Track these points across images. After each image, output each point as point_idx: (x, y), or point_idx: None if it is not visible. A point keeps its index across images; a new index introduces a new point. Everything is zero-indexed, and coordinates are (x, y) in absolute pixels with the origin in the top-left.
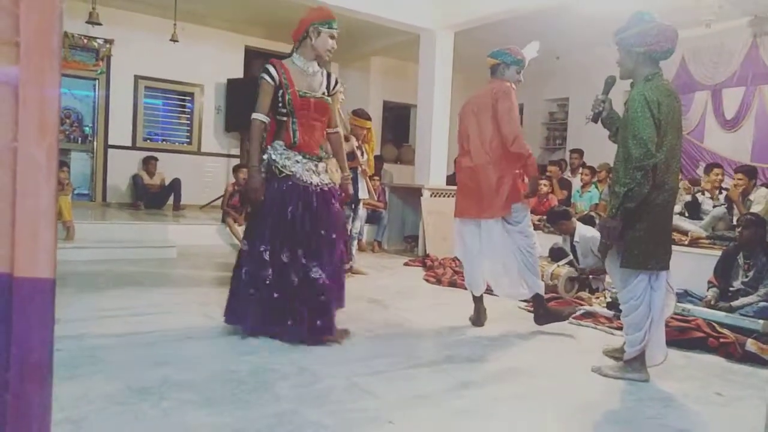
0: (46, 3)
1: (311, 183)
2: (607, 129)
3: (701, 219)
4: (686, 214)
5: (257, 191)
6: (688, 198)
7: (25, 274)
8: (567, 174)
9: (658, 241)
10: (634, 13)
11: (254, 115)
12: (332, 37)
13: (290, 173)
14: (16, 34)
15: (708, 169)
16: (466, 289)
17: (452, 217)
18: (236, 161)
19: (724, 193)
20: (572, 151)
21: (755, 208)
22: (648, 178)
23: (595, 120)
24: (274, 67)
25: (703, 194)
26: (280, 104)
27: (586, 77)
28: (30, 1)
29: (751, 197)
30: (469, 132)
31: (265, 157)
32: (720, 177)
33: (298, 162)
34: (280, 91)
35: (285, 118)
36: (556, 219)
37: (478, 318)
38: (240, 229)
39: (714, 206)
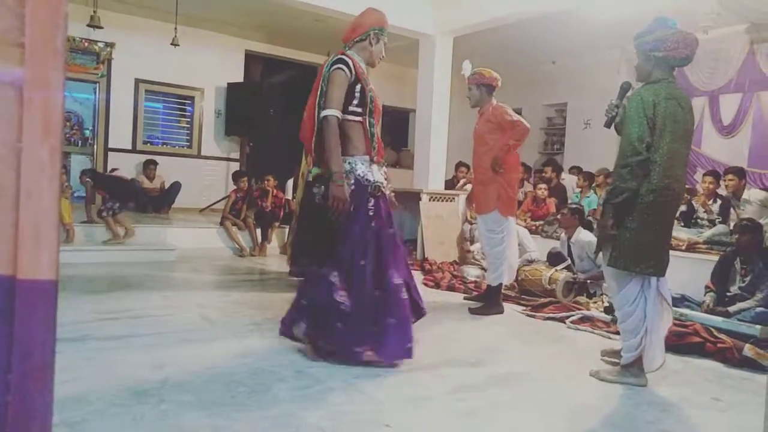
0: (51, 4)
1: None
2: (619, 135)
3: (697, 226)
4: (682, 223)
5: (345, 202)
6: (684, 207)
7: (27, 276)
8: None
9: (650, 245)
10: (657, 18)
11: (327, 112)
12: (385, 45)
13: (384, 190)
14: (21, 35)
15: (702, 176)
16: (463, 292)
17: (451, 221)
18: (236, 164)
19: (719, 201)
20: (545, 164)
21: (749, 210)
22: (634, 175)
23: (608, 125)
24: (349, 58)
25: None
26: (356, 102)
27: (584, 83)
28: (35, 2)
29: (745, 196)
30: None
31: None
32: (712, 186)
33: (377, 172)
34: (358, 86)
35: (359, 119)
36: (574, 212)
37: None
38: (239, 234)
39: (708, 219)
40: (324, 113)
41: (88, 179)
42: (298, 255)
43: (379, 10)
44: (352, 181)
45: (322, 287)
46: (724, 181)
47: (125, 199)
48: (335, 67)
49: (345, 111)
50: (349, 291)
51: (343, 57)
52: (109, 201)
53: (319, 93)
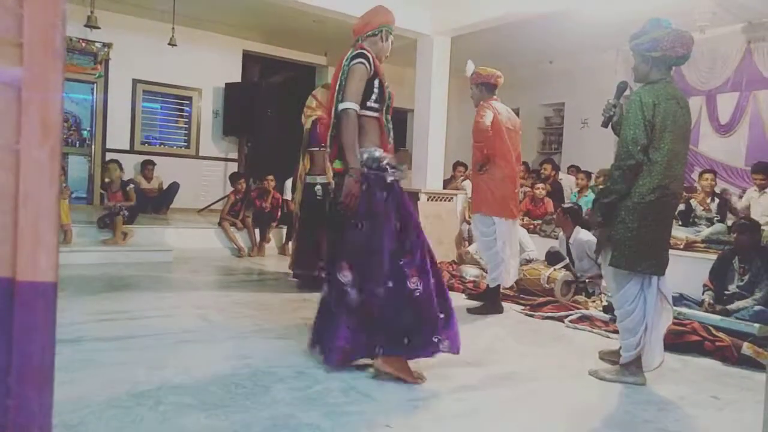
0: (49, 4)
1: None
2: (616, 135)
3: (695, 224)
4: (679, 222)
5: (356, 198)
6: (682, 206)
7: (26, 278)
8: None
9: (651, 244)
10: (651, 19)
11: (346, 104)
12: (391, 44)
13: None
14: (19, 35)
15: (700, 175)
16: (462, 292)
17: (449, 220)
18: (234, 165)
19: (717, 200)
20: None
21: (764, 203)
22: (624, 178)
23: (605, 125)
24: (369, 53)
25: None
26: (374, 97)
27: (582, 82)
28: (34, 2)
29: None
30: (509, 143)
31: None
32: (712, 183)
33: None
34: (376, 81)
35: (376, 114)
36: (569, 213)
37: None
38: (238, 234)
39: (706, 217)
40: (342, 106)
41: (132, 184)
42: (302, 257)
43: (389, 9)
44: (374, 168)
45: (363, 291)
46: (754, 180)
47: (137, 211)
48: (356, 61)
49: (363, 106)
50: (380, 282)
51: (364, 51)
52: (125, 209)
53: (337, 87)
